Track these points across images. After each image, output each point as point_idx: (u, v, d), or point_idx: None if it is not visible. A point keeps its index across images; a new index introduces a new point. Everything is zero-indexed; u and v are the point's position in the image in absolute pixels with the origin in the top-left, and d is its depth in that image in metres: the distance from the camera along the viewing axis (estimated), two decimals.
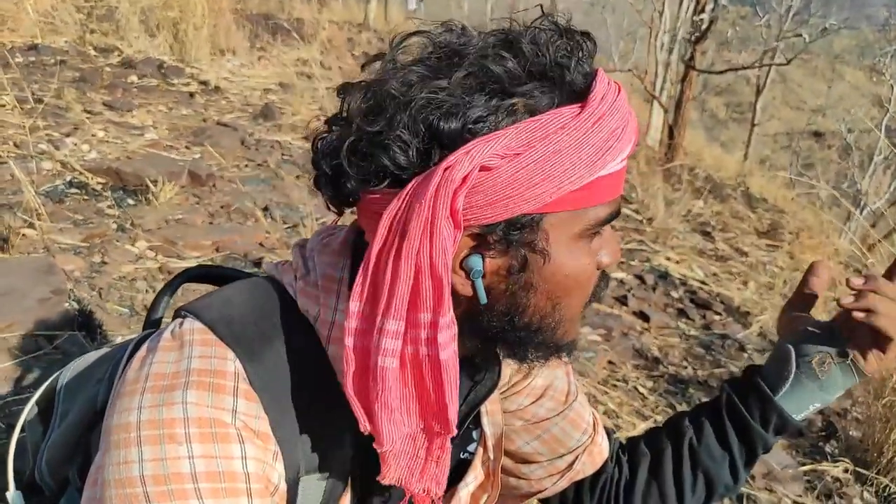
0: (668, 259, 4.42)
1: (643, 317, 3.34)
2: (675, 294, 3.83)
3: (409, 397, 0.61)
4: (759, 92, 16.65)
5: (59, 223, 2.41)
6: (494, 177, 0.56)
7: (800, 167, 14.62)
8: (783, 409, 0.82)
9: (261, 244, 2.67)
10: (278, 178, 3.41)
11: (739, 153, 16.06)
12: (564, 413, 0.89)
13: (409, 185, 0.56)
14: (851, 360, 0.81)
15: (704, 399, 2.73)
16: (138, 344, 0.75)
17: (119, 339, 0.91)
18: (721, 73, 10.30)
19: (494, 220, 0.58)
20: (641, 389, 2.65)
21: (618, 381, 2.66)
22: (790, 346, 0.83)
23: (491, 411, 0.84)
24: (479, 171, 0.55)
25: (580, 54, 0.61)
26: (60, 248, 2.27)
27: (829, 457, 2.46)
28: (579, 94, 0.59)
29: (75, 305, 1.93)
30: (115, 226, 2.50)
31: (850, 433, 2.64)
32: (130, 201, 2.73)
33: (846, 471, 2.35)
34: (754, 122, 16.79)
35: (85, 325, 1.87)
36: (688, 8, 10.80)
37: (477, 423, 0.83)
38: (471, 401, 0.79)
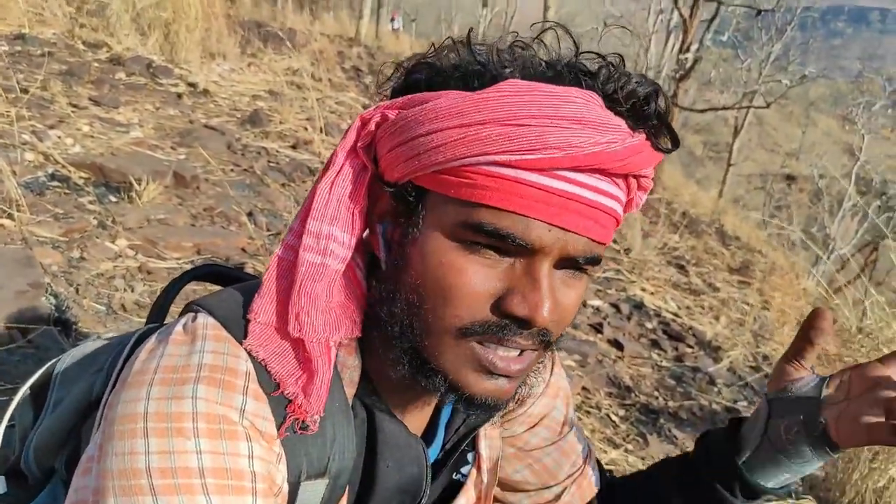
0: (644, 290, 4.48)
1: (617, 345, 3.38)
2: (649, 325, 3.88)
3: (277, 292, 0.65)
4: (736, 133, 17.08)
5: (39, 216, 2.37)
6: (388, 128, 0.63)
7: (772, 208, 14.97)
8: (747, 477, 0.77)
9: (243, 249, 2.65)
10: (264, 184, 3.40)
11: (715, 191, 16.41)
12: (558, 444, 0.89)
13: None
14: (823, 432, 0.72)
15: (674, 430, 2.77)
16: (141, 337, 0.74)
17: (94, 337, 0.89)
18: (702, 111, 10.56)
19: (394, 179, 0.64)
20: (613, 417, 2.67)
21: (591, 407, 2.68)
22: (765, 405, 0.78)
23: (490, 435, 0.84)
24: (381, 119, 0.64)
25: (533, 59, 0.62)
26: (39, 241, 2.23)
27: (793, 494, 2.50)
28: (487, 85, 0.59)
29: (52, 300, 1.89)
30: (95, 222, 2.46)
31: (814, 472, 2.69)
32: (112, 198, 2.70)
33: None
34: (730, 162, 17.19)
35: (61, 321, 1.83)
36: (673, 46, 11.09)
37: (472, 446, 0.83)
38: (470, 423, 0.80)
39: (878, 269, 10.59)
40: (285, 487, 0.61)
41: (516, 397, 0.69)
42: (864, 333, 2.37)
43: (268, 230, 2.89)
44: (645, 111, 0.59)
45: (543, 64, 0.62)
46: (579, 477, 0.89)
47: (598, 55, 0.62)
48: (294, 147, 4.25)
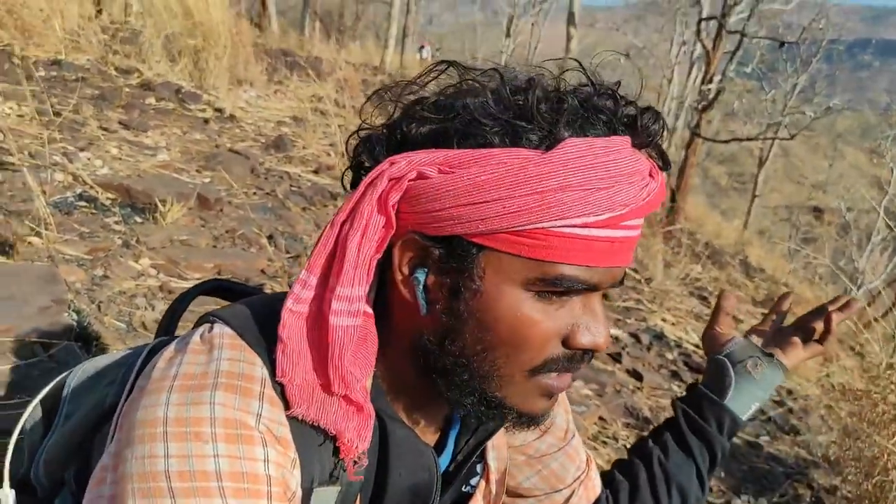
0: (664, 320, 4.43)
1: (636, 375, 3.34)
2: (669, 356, 3.83)
3: (308, 351, 0.65)
4: (761, 164, 16.96)
5: (66, 234, 2.42)
6: (429, 186, 0.61)
7: (799, 241, 14.75)
8: (733, 411, 0.95)
9: (262, 271, 2.68)
10: (285, 207, 3.44)
11: (739, 222, 16.25)
12: (564, 449, 0.92)
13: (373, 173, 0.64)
14: (776, 358, 0.97)
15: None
16: (153, 350, 0.76)
17: (106, 356, 0.91)
18: (726, 142, 10.52)
19: (434, 234, 0.63)
20: None
21: (608, 437, 2.64)
22: (724, 358, 0.98)
23: (497, 445, 0.85)
24: (417, 177, 0.62)
25: (576, 108, 0.62)
26: (64, 258, 2.28)
27: None
28: (550, 144, 0.60)
29: (74, 316, 1.92)
30: (119, 241, 2.51)
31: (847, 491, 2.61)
32: (138, 219, 2.75)
33: None
34: (755, 193, 17.04)
35: (82, 337, 1.86)
36: (696, 77, 11.10)
37: (481, 457, 0.84)
38: (479, 434, 0.80)
39: None
40: (299, 492, 0.62)
41: None
42: (895, 369, 2.32)
43: (287, 252, 2.92)
44: (654, 139, 0.66)
45: (580, 109, 0.62)
46: (585, 479, 0.93)
47: (593, 84, 0.65)
48: (316, 172, 4.31)
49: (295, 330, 0.64)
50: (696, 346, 4.19)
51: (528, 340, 0.64)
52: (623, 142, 0.62)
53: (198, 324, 0.69)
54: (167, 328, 0.89)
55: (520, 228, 0.60)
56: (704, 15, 8.88)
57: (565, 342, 0.65)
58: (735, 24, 8.37)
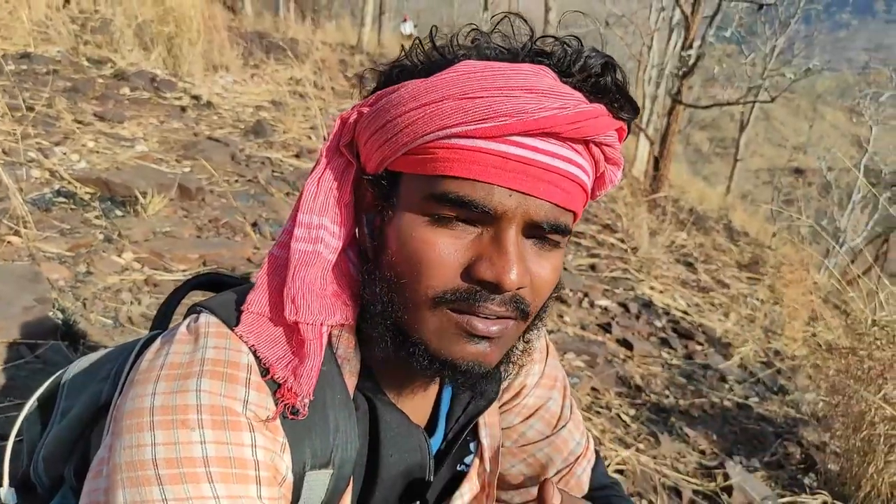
0: (652, 288, 4.46)
1: (626, 345, 3.37)
2: (658, 323, 3.87)
3: (272, 285, 0.67)
4: (742, 128, 17.01)
5: (46, 231, 2.39)
6: (363, 122, 0.67)
7: (781, 203, 14.88)
8: None
9: (248, 259, 2.66)
10: (268, 194, 3.41)
11: (722, 187, 16.34)
12: (551, 439, 0.89)
13: None
14: None
15: (686, 428, 2.75)
16: (146, 343, 0.76)
17: (99, 351, 0.91)
18: (706, 107, 10.53)
19: (372, 170, 0.67)
20: (624, 417, 2.66)
21: (601, 407, 2.67)
22: None
23: (490, 423, 0.85)
24: (357, 116, 0.68)
25: (490, 44, 0.65)
26: (46, 256, 2.25)
27: (807, 489, 2.48)
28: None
29: (59, 315, 1.90)
30: (101, 236, 2.48)
31: (829, 466, 2.66)
32: (118, 212, 2.72)
33: (825, 503, 2.37)
34: (737, 158, 17.11)
35: (68, 335, 1.85)
36: (676, 43, 11.06)
37: (474, 436, 0.84)
38: (470, 411, 0.81)
39: (890, 260, 10.51)
40: (290, 477, 0.63)
41: (502, 369, 0.71)
42: (879, 326, 2.35)
43: (273, 239, 2.90)
44: (601, 82, 0.63)
45: (499, 48, 0.65)
46: (567, 475, 0.89)
47: (555, 38, 0.65)
48: (297, 156, 4.27)
49: (270, 268, 0.67)
50: (685, 313, 4.23)
51: (425, 264, 0.62)
52: (534, 68, 0.61)
53: (186, 315, 0.70)
54: (161, 322, 0.89)
55: (413, 145, 0.62)
56: None
57: (468, 274, 0.63)
58: None
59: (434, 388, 0.79)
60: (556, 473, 0.89)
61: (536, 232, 0.64)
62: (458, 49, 0.65)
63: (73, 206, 2.66)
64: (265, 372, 0.62)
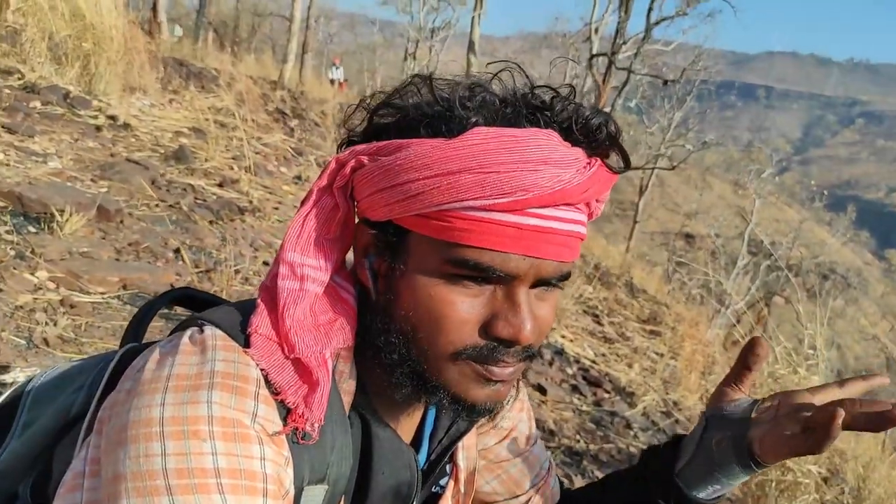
0: (564, 337, 4.64)
1: (541, 390, 3.47)
2: (569, 370, 4.01)
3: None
4: (641, 192, 18.12)
5: None
6: (365, 174, 0.67)
7: (674, 264, 15.86)
8: (681, 485, 0.80)
9: (171, 285, 2.57)
10: (191, 220, 3.32)
11: (622, 246, 17.24)
12: (525, 456, 0.94)
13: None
14: (748, 448, 0.76)
15: (597, 472, 2.86)
16: (125, 355, 0.74)
17: (17, 371, 0.87)
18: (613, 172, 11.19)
19: (374, 219, 0.69)
20: None
21: None
22: (703, 420, 0.83)
23: (467, 446, 0.87)
24: (357, 165, 0.68)
25: (493, 102, 0.67)
26: None
27: None
28: (460, 133, 0.63)
29: None
30: (13, 252, 2.33)
31: None
32: (31, 228, 2.57)
33: None
34: (636, 219, 18.16)
35: None
36: None
37: (450, 458, 0.86)
38: (452, 434, 0.83)
39: (768, 324, 11.38)
40: (292, 491, 0.63)
41: (508, 399, 0.76)
42: (773, 378, 2.57)
43: (196, 267, 2.82)
44: (600, 139, 0.67)
45: (502, 105, 0.67)
46: (543, 486, 0.95)
47: (551, 88, 0.69)
48: (221, 185, 4.18)
49: (266, 298, 0.69)
50: (593, 362, 4.42)
51: (443, 322, 0.65)
52: (544, 134, 0.63)
53: (180, 328, 0.69)
54: (135, 335, 0.86)
55: (427, 210, 0.64)
56: (595, 51, 9.45)
57: (485, 331, 0.66)
58: (622, 62, 8.98)
59: (421, 409, 0.81)
60: (532, 487, 0.93)
61: (543, 282, 0.68)
62: (461, 105, 0.66)
63: None
64: (275, 390, 0.63)
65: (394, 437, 0.75)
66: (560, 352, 4.23)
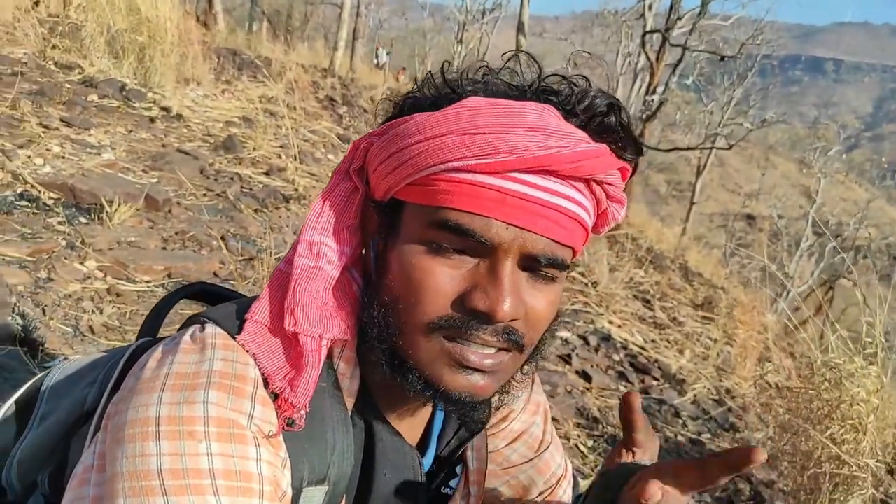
0: (611, 322, 4.55)
1: (586, 377, 3.42)
2: (616, 357, 3.94)
3: (276, 296, 0.68)
4: (699, 173, 17.57)
5: (6, 235, 2.33)
6: (374, 150, 0.69)
7: (733, 246, 15.36)
8: None
9: (215, 274, 2.63)
10: (236, 209, 3.39)
11: (678, 228, 16.79)
12: (534, 462, 0.91)
13: None
14: None
15: None
16: (136, 350, 0.75)
17: (62, 359, 0.90)
18: (667, 151, 10.88)
19: (379, 197, 0.69)
20: (582, 448, 2.70)
21: (560, 438, 2.70)
22: (598, 478, 0.77)
23: (477, 447, 0.85)
24: (368, 144, 0.70)
25: (497, 82, 0.67)
26: (5, 259, 2.19)
27: None
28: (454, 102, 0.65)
29: (19, 320, 1.85)
30: (64, 242, 2.43)
31: (776, 503, 2.74)
32: (83, 219, 2.66)
33: None
34: (693, 201, 17.63)
35: (27, 342, 1.79)
36: (640, 88, 11.43)
37: (460, 459, 0.84)
38: (461, 435, 0.82)
39: (833, 308, 10.91)
40: (289, 492, 0.63)
41: (495, 401, 0.71)
42: (828, 367, 2.45)
43: (240, 255, 2.88)
44: (604, 122, 0.65)
45: (507, 85, 0.67)
46: (549, 495, 0.91)
47: (563, 77, 0.67)
48: (267, 174, 4.25)
49: (275, 282, 0.69)
50: (642, 348, 4.32)
51: (421, 290, 0.64)
52: (538, 107, 0.63)
53: (185, 325, 0.69)
54: (150, 330, 0.87)
55: (417, 175, 0.64)
56: (649, 28, 9.16)
57: (462, 303, 0.63)
58: (677, 38, 8.68)
59: (427, 410, 0.80)
60: (539, 494, 0.90)
61: (533, 265, 0.64)
62: (466, 84, 0.67)
63: (35, 211, 2.60)
64: (264, 377, 0.63)
65: (397, 439, 0.74)
66: (607, 338, 4.15)
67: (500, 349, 0.66)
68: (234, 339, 0.64)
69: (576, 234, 0.66)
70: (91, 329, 2.02)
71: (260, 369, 0.63)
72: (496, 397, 0.71)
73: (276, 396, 0.63)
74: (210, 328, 0.65)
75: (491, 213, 0.61)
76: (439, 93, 0.68)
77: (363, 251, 0.74)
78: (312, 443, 0.65)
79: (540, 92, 0.65)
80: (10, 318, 1.83)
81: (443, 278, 0.64)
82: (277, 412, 0.62)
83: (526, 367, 0.73)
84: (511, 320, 0.64)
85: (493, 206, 0.61)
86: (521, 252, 0.63)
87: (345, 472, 0.68)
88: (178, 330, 0.69)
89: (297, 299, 0.65)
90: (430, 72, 0.71)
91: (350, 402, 0.70)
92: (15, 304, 1.94)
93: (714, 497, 2.70)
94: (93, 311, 2.12)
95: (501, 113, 0.61)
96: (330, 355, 0.70)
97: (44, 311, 2.02)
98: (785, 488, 2.81)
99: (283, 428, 0.63)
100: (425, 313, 0.64)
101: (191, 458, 0.55)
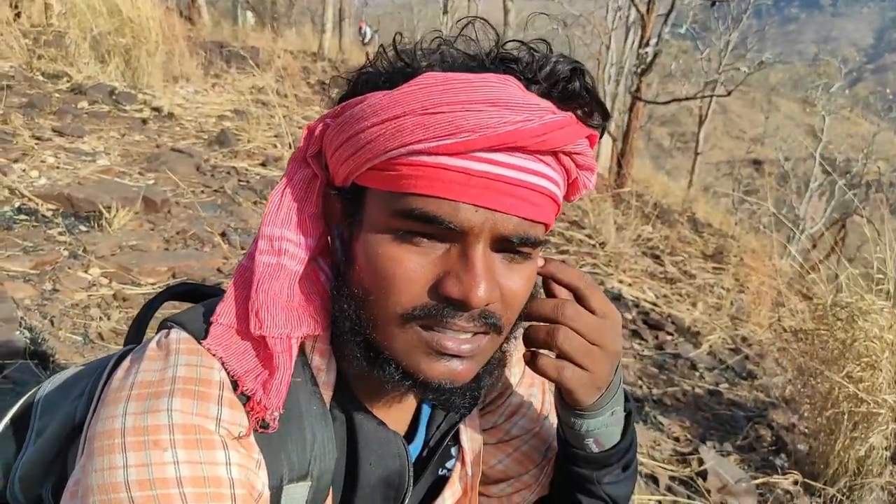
0: (621, 282, 4.53)
1: None
2: (628, 315, 3.93)
3: (238, 297, 0.67)
4: (701, 122, 17.34)
5: (8, 250, 2.34)
6: (329, 134, 0.66)
7: (741, 194, 15.23)
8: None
9: (219, 269, 2.64)
10: (236, 203, 3.39)
11: (684, 181, 16.63)
12: (535, 432, 0.90)
13: None
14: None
15: (660, 417, 2.81)
16: (120, 358, 0.75)
17: (73, 367, 0.90)
18: (665, 103, 10.73)
19: (339, 183, 0.67)
20: None
21: None
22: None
23: (471, 427, 0.85)
24: (323, 128, 0.67)
25: (451, 53, 0.63)
26: (9, 275, 2.21)
27: (779, 470, 2.55)
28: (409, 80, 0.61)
29: (27, 334, 1.87)
30: (66, 252, 2.44)
31: (798, 446, 2.74)
32: (83, 228, 2.67)
33: (796, 483, 2.44)
34: (697, 151, 17.43)
35: (37, 354, 1.81)
36: (633, 42, 11.26)
37: (455, 440, 0.84)
38: (451, 418, 0.81)
39: (848, 245, 10.83)
40: (266, 493, 0.62)
41: (481, 384, 0.69)
42: (840, 306, 2.43)
43: (242, 249, 2.88)
44: (568, 89, 0.62)
45: (464, 56, 0.63)
46: (547, 466, 0.90)
47: (521, 42, 0.64)
48: (264, 165, 4.24)
49: (238, 280, 0.67)
50: (654, 305, 4.31)
51: (392, 280, 0.61)
52: (498, 79, 0.59)
53: (157, 330, 0.69)
54: (135, 336, 0.87)
55: (376, 160, 0.61)
56: None
57: (435, 290, 0.61)
58: None
59: (413, 398, 0.78)
60: (544, 459, 0.90)
61: (506, 245, 0.62)
62: (421, 58, 0.63)
63: (35, 223, 2.60)
64: (237, 386, 0.62)
65: (379, 428, 0.73)
66: (618, 297, 4.14)
67: (476, 333, 0.64)
68: (199, 342, 0.63)
69: (547, 209, 0.63)
70: (100, 335, 2.04)
71: (229, 372, 0.62)
72: (481, 382, 0.69)
73: (247, 398, 0.62)
74: (175, 333, 0.64)
75: (457, 197, 0.58)
76: (393, 68, 0.64)
77: (328, 239, 0.72)
78: (291, 439, 0.64)
79: (499, 61, 0.62)
80: (17, 331, 1.85)
81: (412, 266, 0.61)
82: (249, 414, 0.61)
83: (505, 346, 0.71)
84: (486, 305, 0.62)
85: (459, 188, 0.58)
86: (493, 234, 0.61)
87: (328, 465, 0.67)
88: (156, 333, 0.68)
89: (260, 300, 0.63)
90: (381, 45, 0.67)
91: (328, 395, 0.69)
92: (22, 318, 1.96)
93: (735, 446, 2.70)
94: (100, 318, 2.13)
95: (459, 89, 0.58)
96: (303, 349, 0.68)
97: (52, 322, 2.04)
98: (806, 430, 2.81)
99: (257, 430, 0.62)
100: (398, 304, 0.62)
101: (157, 467, 0.55)
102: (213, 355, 0.62)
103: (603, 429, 0.78)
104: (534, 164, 0.61)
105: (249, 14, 17.83)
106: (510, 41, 0.65)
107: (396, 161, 0.60)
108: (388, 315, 0.63)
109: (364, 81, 0.66)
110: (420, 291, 0.62)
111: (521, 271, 0.65)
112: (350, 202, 0.66)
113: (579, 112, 0.63)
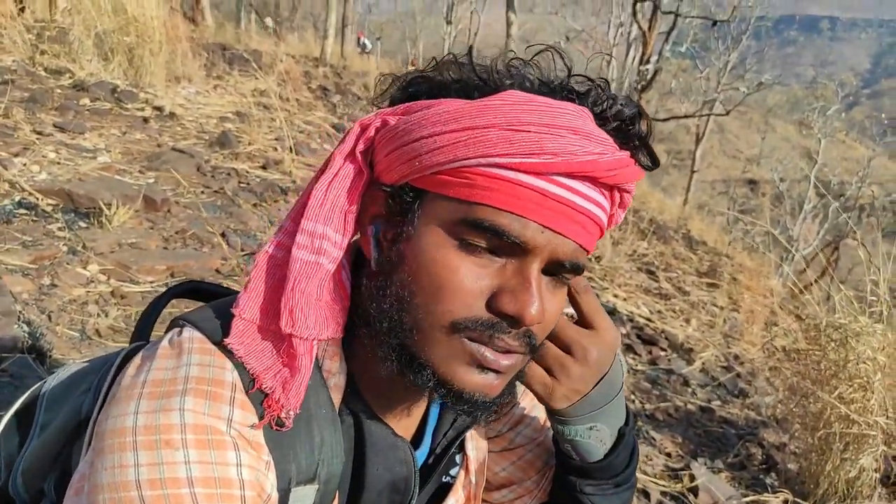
0: (616, 296, 4.55)
1: None
2: (622, 330, 3.94)
3: (266, 291, 0.66)
4: (698, 140, 17.46)
5: (7, 244, 2.34)
6: (388, 132, 0.65)
7: (736, 213, 15.31)
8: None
9: (217, 270, 2.64)
10: (235, 205, 3.39)
11: (680, 198, 16.72)
12: (539, 440, 0.91)
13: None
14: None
15: (652, 432, 2.81)
16: (127, 355, 0.75)
17: (70, 363, 0.90)
18: (664, 120, 10.81)
19: (389, 181, 0.66)
20: None
21: None
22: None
23: (476, 436, 0.86)
24: (382, 125, 0.66)
25: (530, 77, 0.65)
26: (7, 269, 2.20)
27: (769, 488, 2.56)
28: (483, 96, 0.62)
29: (25, 328, 1.86)
30: (65, 248, 2.44)
31: (789, 466, 2.75)
32: (82, 224, 2.67)
33: (786, 502, 2.45)
34: (694, 169, 17.55)
35: (35, 349, 1.81)
36: (634, 58, 11.35)
37: (460, 448, 0.84)
38: (458, 426, 0.81)
39: (840, 268, 10.89)
40: (275, 495, 0.62)
41: (504, 400, 0.69)
42: (833, 327, 2.45)
43: (241, 250, 2.88)
44: (630, 131, 0.64)
45: (538, 81, 0.65)
46: (549, 473, 0.91)
47: (588, 78, 0.66)
48: (264, 167, 4.25)
49: (266, 269, 0.66)
50: (648, 320, 4.33)
51: (446, 288, 0.61)
52: (577, 109, 0.61)
53: (169, 328, 0.69)
54: (142, 333, 0.87)
55: (448, 167, 0.60)
56: None
57: (489, 304, 0.62)
58: (668, 5, 8.59)
59: (422, 402, 0.78)
60: (545, 465, 0.90)
61: (556, 269, 0.64)
62: (498, 76, 0.64)
63: (34, 218, 2.60)
64: (251, 385, 0.62)
65: (387, 433, 0.73)
66: (612, 311, 4.15)
67: (516, 352, 0.65)
68: (212, 341, 0.63)
69: (595, 238, 0.66)
70: (98, 332, 2.04)
71: (249, 369, 0.62)
72: (505, 397, 0.69)
73: (263, 396, 0.62)
74: (187, 332, 0.64)
75: (530, 215, 0.60)
76: (466, 81, 0.64)
77: (360, 237, 0.71)
78: (299, 442, 0.65)
79: (569, 91, 0.64)
80: (16, 325, 1.85)
81: (470, 277, 0.61)
82: (265, 412, 0.62)
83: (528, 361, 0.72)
84: (537, 324, 0.63)
85: (534, 207, 0.60)
86: (551, 256, 0.62)
87: (335, 469, 0.68)
88: (164, 333, 0.69)
89: (296, 299, 0.63)
90: (451, 53, 0.68)
91: (337, 398, 0.69)
92: (20, 312, 1.95)
93: (726, 463, 2.71)
94: (98, 315, 2.13)
95: (544, 111, 0.59)
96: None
97: (49, 317, 2.03)
98: (796, 450, 2.83)
99: (271, 426, 0.62)
100: (450, 312, 0.62)
101: (168, 467, 0.55)
102: (233, 352, 0.62)
103: (579, 439, 0.78)
104: (597, 194, 0.63)
105: (269, 19, 17.93)
106: (578, 75, 0.66)
107: (470, 170, 0.60)
108: (434, 321, 0.62)
109: (433, 87, 0.66)
110: (473, 303, 0.62)
111: (560, 296, 0.67)
112: (401, 202, 0.65)
113: (633, 154, 0.66)
